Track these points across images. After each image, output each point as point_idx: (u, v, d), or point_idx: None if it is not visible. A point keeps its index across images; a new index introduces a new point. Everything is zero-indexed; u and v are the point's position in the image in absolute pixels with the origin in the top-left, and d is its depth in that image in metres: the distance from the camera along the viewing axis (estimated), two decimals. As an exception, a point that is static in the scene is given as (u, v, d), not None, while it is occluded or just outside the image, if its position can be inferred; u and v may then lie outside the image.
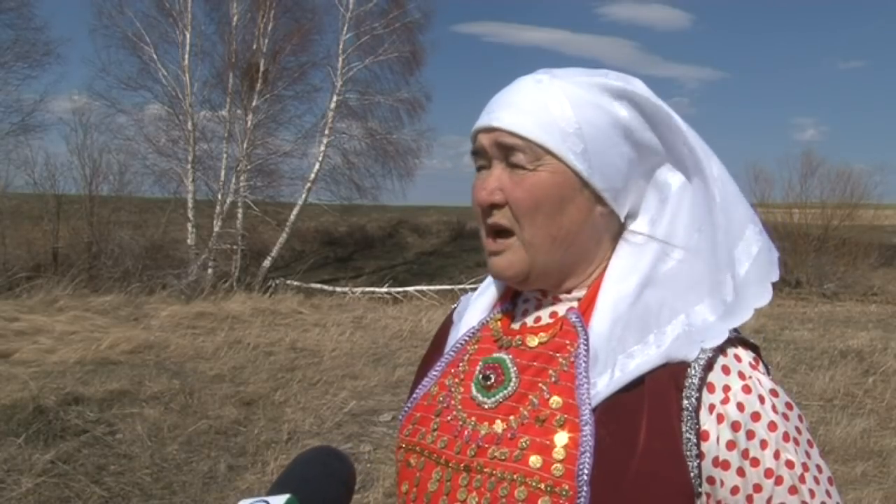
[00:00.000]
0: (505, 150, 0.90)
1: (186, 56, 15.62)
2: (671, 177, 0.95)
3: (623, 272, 0.91)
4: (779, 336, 9.13)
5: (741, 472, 0.84)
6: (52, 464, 4.13)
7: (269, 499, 0.81)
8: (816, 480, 0.85)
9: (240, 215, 15.99)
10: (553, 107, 0.89)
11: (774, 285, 0.91)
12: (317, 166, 16.68)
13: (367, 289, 15.06)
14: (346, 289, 15.07)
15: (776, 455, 0.84)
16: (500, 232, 0.92)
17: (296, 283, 15.12)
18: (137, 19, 15.48)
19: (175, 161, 15.76)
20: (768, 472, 0.84)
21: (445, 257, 21.24)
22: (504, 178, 0.91)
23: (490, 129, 0.92)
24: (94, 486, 3.94)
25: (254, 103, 15.78)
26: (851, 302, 14.88)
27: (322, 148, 16.67)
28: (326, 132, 16.61)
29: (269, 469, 4.27)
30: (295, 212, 16.68)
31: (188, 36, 15.60)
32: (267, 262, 16.04)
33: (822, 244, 16.97)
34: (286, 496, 0.82)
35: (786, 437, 0.85)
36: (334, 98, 16.60)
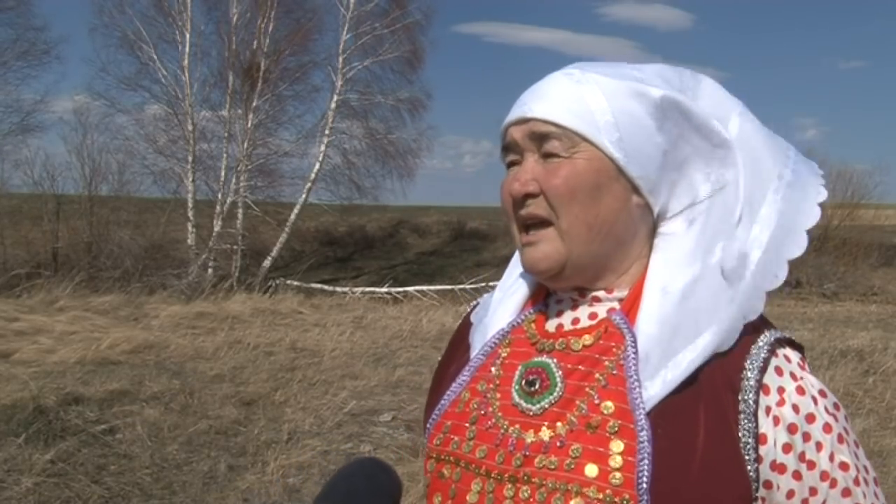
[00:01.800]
0: (539, 139, 0.88)
1: (186, 56, 15.63)
2: (704, 170, 0.92)
3: (666, 270, 0.88)
4: (779, 336, 9.11)
5: (797, 475, 0.83)
6: (51, 463, 4.13)
7: None
8: (866, 482, 0.85)
9: (240, 215, 15.99)
10: (587, 97, 0.87)
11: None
12: (317, 166, 16.69)
13: (368, 289, 15.06)
14: (347, 289, 15.07)
15: (831, 457, 0.83)
16: (534, 225, 0.90)
17: (296, 283, 15.12)
18: (137, 19, 15.51)
19: (175, 161, 15.78)
20: (824, 475, 0.83)
21: (445, 257, 21.25)
22: (538, 169, 0.89)
23: (523, 121, 0.89)
24: (94, 486, 3.94)
25: (254, 103, 15.78)
26: (851, 302, 14.88)
27: (322, 148, 16.68)
28: (327, 132, 16.62)
29: (269, 469, 4.27)
30: (295, 212, 16.68)
31: (187, 36, 15.60)
32: (267, 262, 16.04)
33: (822, 244, 16.98)
34: None
35: (839, 438, 0.84)
36: (334, 98, 16.60)
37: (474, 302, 1.10)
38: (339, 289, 15.14)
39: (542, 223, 0.89)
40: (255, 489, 4.07)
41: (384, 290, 14.81)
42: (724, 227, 0.88)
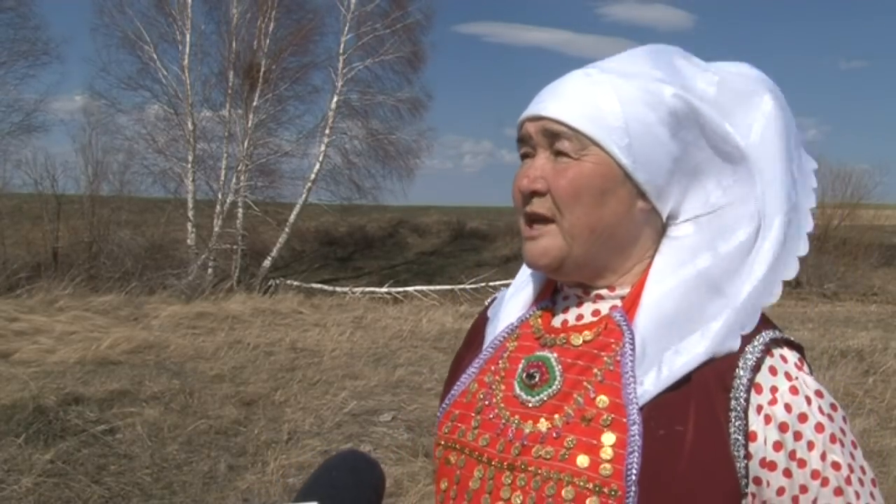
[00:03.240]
0: (551, 137, 0.90)
1: (186, 56, 15.64)
2: (717, 178, 0.93)
3: (667, 271, 0.90)
4: (779, 336, 9.11)
5: (788, 472, 0.84)
6: (52, 464, 4.13)
7: None
8: (861, 482, 0.86)
9: (240, 215, 16.00)
10: (601, 100, 0.89)
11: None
12: (317, 166, 16.71)
13: (368, 289, 15.06)
14: (347, 289, 15.08)
15: (822, 456, 0.84)
16: (538, 220, 0.92)
17: (296, 283, 15.14)
18: (137, 19, 15.54)
19: (175, 161, 15.80)
20: (815, 474, 0.84)
21: (445, 257, 21.25)
22: (547, 167, 0.91)
23: (537, 118, 0.92)
24: (94, 486, 3.94)
25: (254, 103, 15.79)
26: (851, 302, 14.89)
27: (322, 148, 16.69)
28: (327, 132, 16.63)
29: (269, 469, 4.27)
30: (295, 212, 16.69)
31: (188, 36, 15.62)
32: (267, 262, 16.05)
33: (822, 244, 16.97)
34: None
35: (832, 438, 0.86)
36: (335, 98, 16.61)
37: (492, 297, 1.14)
38: (339, 289, 15.15)
39: (546, 219, 0.91)
40: (255, 489, 4.07)
41: (384, 290, 14.81)
42: (723, 240, 0.91)
